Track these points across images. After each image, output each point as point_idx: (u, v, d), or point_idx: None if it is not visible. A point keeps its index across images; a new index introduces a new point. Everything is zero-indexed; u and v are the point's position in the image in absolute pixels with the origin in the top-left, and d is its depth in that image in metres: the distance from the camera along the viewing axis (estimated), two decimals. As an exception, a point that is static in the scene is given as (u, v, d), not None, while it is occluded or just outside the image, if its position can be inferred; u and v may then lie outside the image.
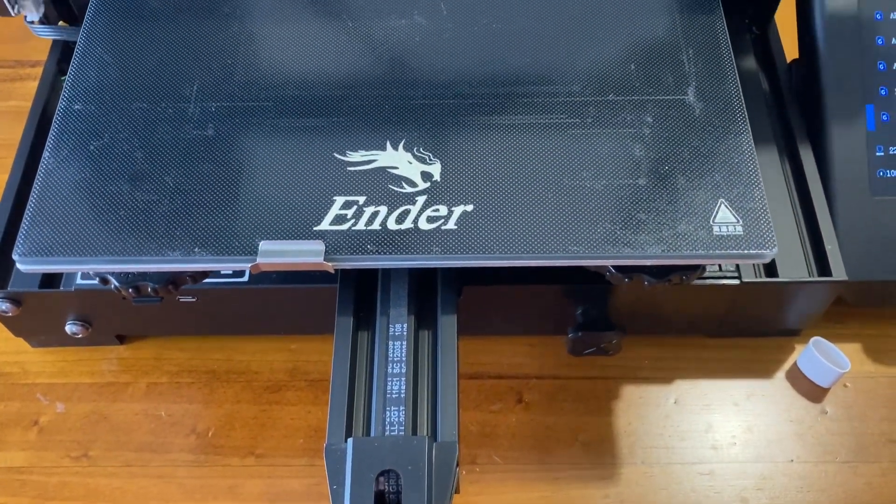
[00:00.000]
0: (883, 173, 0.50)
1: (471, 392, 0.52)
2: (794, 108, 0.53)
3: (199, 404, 0.51)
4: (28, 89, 0.65)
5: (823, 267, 0.48)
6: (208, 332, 0.53)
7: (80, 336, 0.51)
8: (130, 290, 0.43)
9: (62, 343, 0.53)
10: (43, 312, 0.49)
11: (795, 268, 0.48)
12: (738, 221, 0.41)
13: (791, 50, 0.56)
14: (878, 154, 0.50)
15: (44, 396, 0.52)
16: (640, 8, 0.48)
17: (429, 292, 0.44)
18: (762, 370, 0.52)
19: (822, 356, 0.51)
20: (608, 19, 0.48)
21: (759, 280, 0.47)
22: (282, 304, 0.49)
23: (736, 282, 0.47)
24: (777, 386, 0.52)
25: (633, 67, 0.46)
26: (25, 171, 0.51)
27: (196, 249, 0.40)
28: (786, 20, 0.57)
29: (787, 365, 0.53)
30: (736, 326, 0.52)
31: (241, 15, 0.48)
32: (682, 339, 0.53)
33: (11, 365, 0.53)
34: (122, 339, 0.54)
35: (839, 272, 0.47)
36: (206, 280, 0.44)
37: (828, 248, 0.48)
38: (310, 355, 0.53)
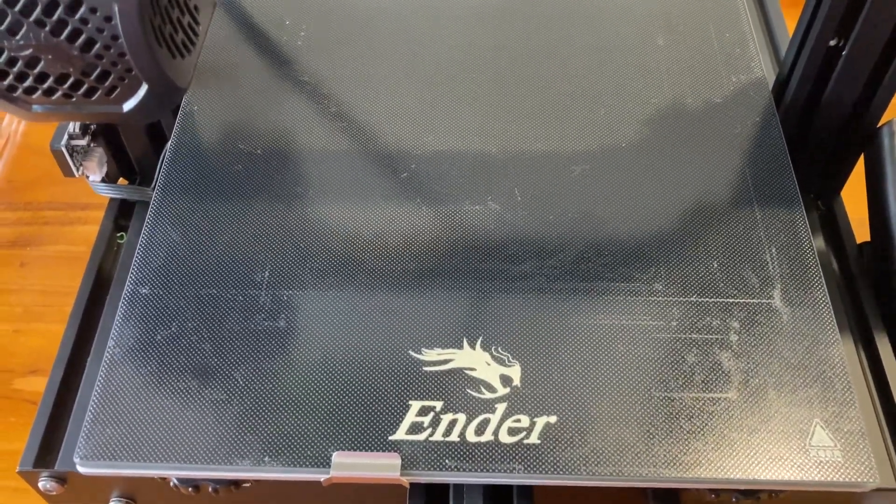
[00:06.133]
0: (965, 368, 0.48)
1: None
2: (867, 293, 0.51)
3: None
4: (77, 233, 0.65)
5: (910, 472, 0.46)
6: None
7: (123, 512, 0.48)
8: (191, 489, 0.41)
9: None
10: (88, 492, 0.47)
11: (881, 471, 0.46)
12: (835, 445, 0.39)
13: (858, 226, 0.55)
14: (959, 347, 0.49)
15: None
16: (720, 201, 0.47)
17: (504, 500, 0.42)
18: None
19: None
20: (688, 212, 0.47)
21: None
22: (345, 496, 0.47)
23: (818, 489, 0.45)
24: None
25: (715, 266, 0.44)
26: (79, 334, 0.49)
27: (266, 459, 0.38)
28: (852, 197, 0.56)
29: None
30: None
31: (313, 196, 0.47)
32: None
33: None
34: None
35: (928, 480, 0.45)
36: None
37: (913, 451, 0.46)
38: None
